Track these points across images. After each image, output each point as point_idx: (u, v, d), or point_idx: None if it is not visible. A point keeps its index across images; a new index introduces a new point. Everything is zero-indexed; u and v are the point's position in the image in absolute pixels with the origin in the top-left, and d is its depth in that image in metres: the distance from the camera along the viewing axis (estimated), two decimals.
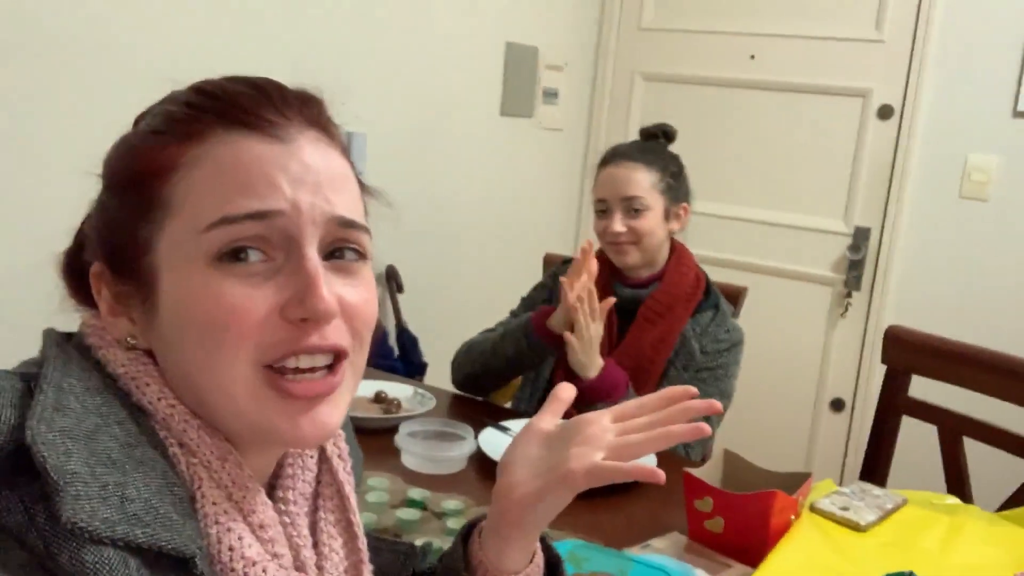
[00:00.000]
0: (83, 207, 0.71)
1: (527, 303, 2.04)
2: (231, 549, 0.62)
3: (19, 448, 0.55)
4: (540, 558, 0.88)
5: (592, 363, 1.73)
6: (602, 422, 0.83)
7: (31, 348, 0.69)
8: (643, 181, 1.86)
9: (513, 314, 2.03)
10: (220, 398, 0.63)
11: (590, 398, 1.73)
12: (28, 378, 0.61)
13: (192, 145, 0.64)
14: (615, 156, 1.91)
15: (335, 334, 0.65)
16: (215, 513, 0.63)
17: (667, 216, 1.89)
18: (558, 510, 0.84)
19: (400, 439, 1.53)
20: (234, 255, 0.62)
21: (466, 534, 0.89)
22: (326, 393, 0.65)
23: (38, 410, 0.57)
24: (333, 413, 0.66)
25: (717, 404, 0.83)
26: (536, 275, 2.18)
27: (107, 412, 0.61)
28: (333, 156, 0.67)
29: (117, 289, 0.67)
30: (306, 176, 0.64)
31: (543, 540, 0.91)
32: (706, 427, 0.79)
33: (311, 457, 0.75)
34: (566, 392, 0.89)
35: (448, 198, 2.85)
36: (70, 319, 0.71)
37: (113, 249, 0.66)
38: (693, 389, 0.83)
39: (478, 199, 2.98)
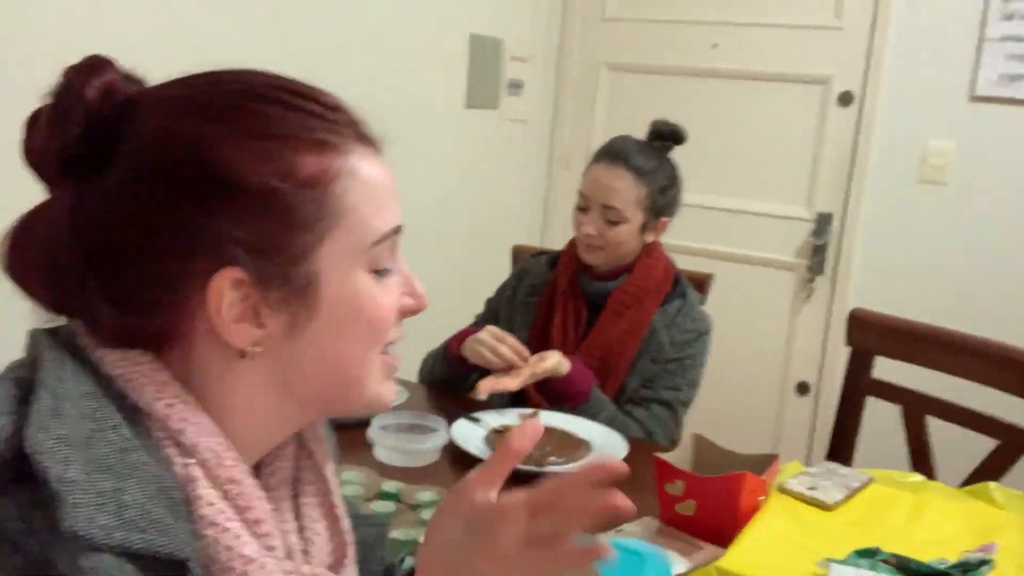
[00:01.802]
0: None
1: (490, 304, 2.05)
2: (228, 548, 0.62)
3: (16, 455, 0.55)
4: None
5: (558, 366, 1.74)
6: (519, 523, 0.68)
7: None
8: (628, 194, 1.82)
9: (481, 316, 2.05)
10: (359, 384, 0.72)
11: (557, 399, 1.75)
12: (21, 383, 0.60)
13: (345, 158, 0.68)
14: (610, 157, 1.85)
15: None
16: (211, 514, 0.63)
17: (643, 229, 1.86)
18: None
19: (373, 432, 1.53)
20: (386, 267, 0.71)
21: None
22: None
23: (36, 417, 0.57)
24: None
25: (630, 507, 0.67)
26: (503, 267, 2.19)
27: (102, 417, 0.60)
28: None
29: (254, 294, 0.65)
30: (396, 192, 0.73)
31: None
32: (628, 506, 0.67)
33: (289, 443, 0.76)
34: (531, 432, 0.74)
35: (415, 191, 2.84)
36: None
37: (258, 255, 0.64)
38: (620, 465, 0.69)
39: (444, 191, 2.98)
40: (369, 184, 0.69)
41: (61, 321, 0.68)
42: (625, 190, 1.82)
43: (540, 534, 0.68)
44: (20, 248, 0.65)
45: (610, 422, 1.74)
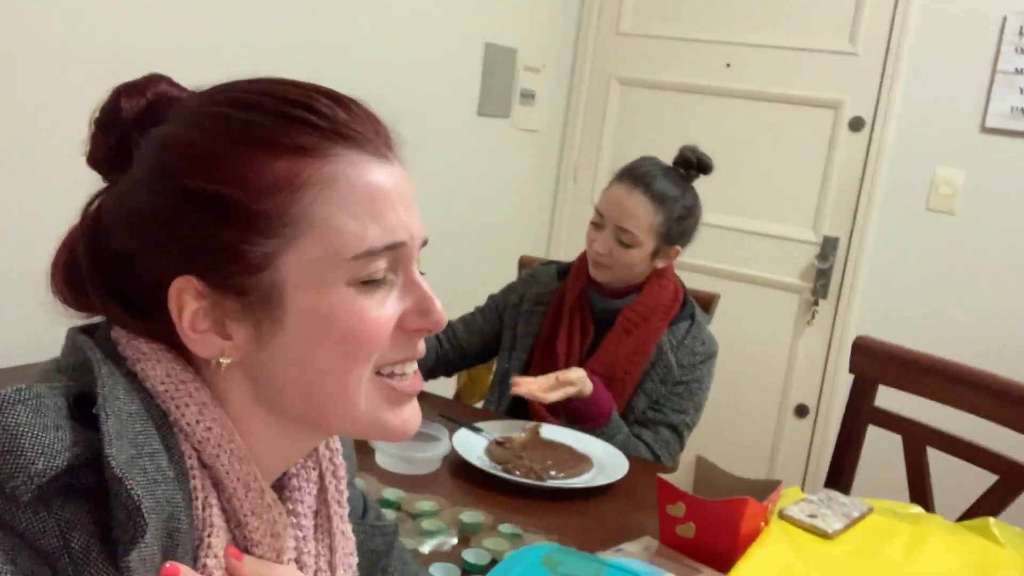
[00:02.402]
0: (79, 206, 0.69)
1: (495, 302, 2.05)
2: None
3: (60, 471, 0.55)
4: None
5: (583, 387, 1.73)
6: None
7: (28, 343, 0.68)
8: (644, 220, 1.79)
9: (479, 309, 2.04)
10: (340, 404, 0.67)
11: (575, 418, 1.74)
12: (69, 392, 0.59)
13: (324, 164, 0.64)
14: (631, 178, 1.82)
15: (423, 343, 0.71)
16: (212, 566, 0.63)
17: (655, 255, 1.85)
18: None
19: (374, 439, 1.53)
20: (374, 281, 0.66)
21: None
22: (420, 389, 0.72)
23: (111, 440, 0.56)
24: (418, 405, 0.73)
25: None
26: (509, 276, 2.19)
27: (143, 442, 0.59)
28: (406, 174, 0.71)
29: (217, 304, 0.64)
30: (411, 202, 0.69)
31: None
32: None
33: (313, 470, 0.76)
34: None
35: (424, 197, 2.83)
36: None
37: (216, 264, 0.63)
38: None
39: (454, 198, 2.98)
40: (353, 192, 0.64)
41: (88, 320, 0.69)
42: (641, 215, 1.80)
43: None
44: (60, 249, 0.69)
45: (624, 446, 1.74)
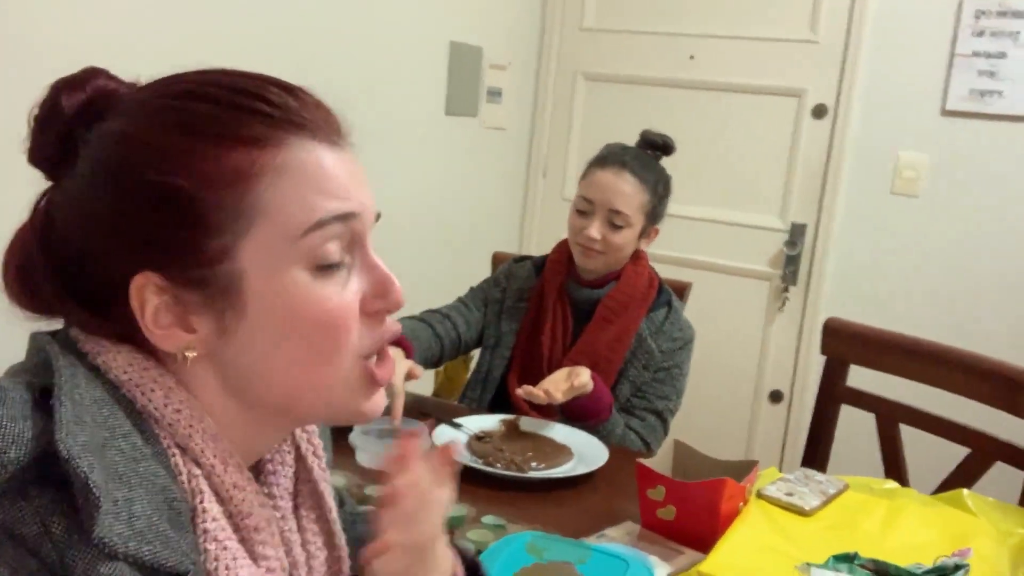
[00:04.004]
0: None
1: (478, 294, 2.05)
2: (227, 568, 0.63)
3: (33, 461, 0.55)
4: None
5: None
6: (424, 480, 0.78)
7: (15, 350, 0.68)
8: (634, 199, 1.84)
9: (462, 301, 2.04)
10: (315, 392, 0.67)
11: (578, 415, 1.74)
12: (32, 387, 0.60)
13: (276, 153, 0.64)
14: (615, 162, 1.87)
15: (391, 323, 0.71)
16: (214, 529, 0.63)
17: (641, 234, 1.90)
18: None
19: (355, 437, 1.53)
20: (331, 263, 0.66)
21: None
22: (391, 376, 0.71)
23: (63, 423, 0.56)
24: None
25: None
26: (482, 273, 2.19)
27: (114, 424, 0.60)
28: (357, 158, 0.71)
29: (179, 298, 0.64)
30: (362, 179, 0.69)
31: (463, 554, 0.88)
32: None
33: (289, 453, 0.76)
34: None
35: (394, 197, 2.85)
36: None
37: (176, 258, 0.63)
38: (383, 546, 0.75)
39: (424, 198, 2.99)
40: (304, 175, 0.65)
41: (58, 324, 0.68)
42: (632, 195, 1.84)
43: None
44: (8, 251, 0.68)
45: (621, 439, 1.76)
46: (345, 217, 0.66)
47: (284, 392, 0.66)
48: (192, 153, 0.63)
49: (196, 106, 0.64)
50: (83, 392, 0.60)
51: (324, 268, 0.65)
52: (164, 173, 0.62)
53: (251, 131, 0.64)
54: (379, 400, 0.71)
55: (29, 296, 0.67)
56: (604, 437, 1.71)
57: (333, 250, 0.66)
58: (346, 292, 0.66)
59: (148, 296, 0.63)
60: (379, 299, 0.68)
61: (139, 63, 0.74)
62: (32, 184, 0.70)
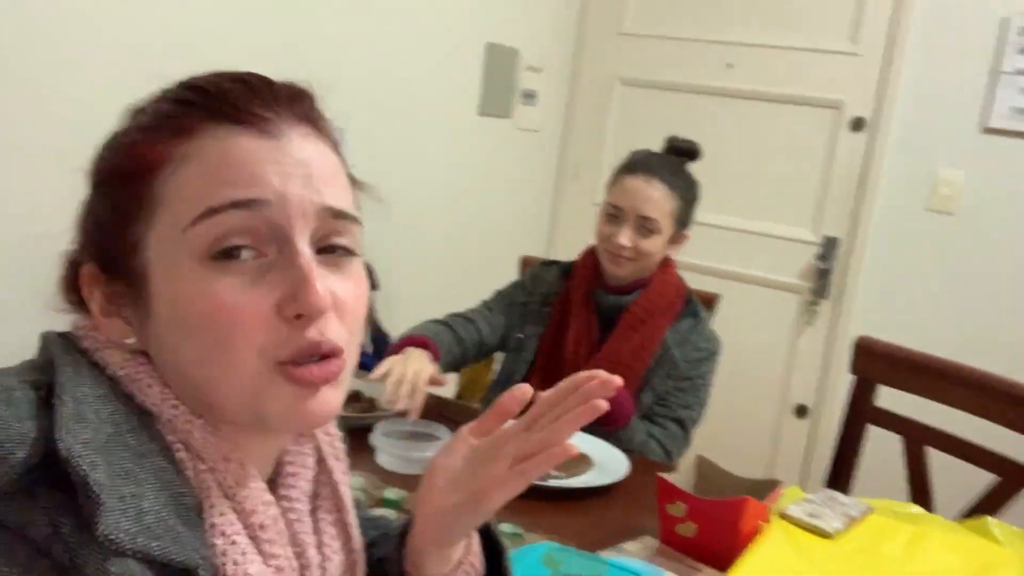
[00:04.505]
0: (71, 204, 0.70)
1: (503, 298, 2.04)
2: (235, 563, 0.63)
3: (41, 460, 0.55)
4: (474, 562, 0.83)
5: None
6: (518, 436, 0.75)
7: (21, 345, 0.69)
8: (664, 205, 1.84)
9: (486, 305, 2.04)
10: (224, 393, 0.63)
11: (600, 422, 1.71)
12: (38, 386, 0.60)
13: (181, 141, 0.63)
14: (643, 168, 1.87)
15: (332, 332, 0.64)
16: (221, 524, 0.63)
17: (671, 241, 1.89)
18: (472, 527, 0.79)
19: (376, 438, 1.53)
20: (226, 254, 0.62)
21: (403, 532, 0.84)
22: (330, 379, 0.65)
23: (64, 422, 0.56)
24: (336, 396, 0.66)
25: (617, 380, 0.76)
26: (509, 276, 2.18)
27: (119, 420, 0.61)
28: (323, 150, 0.67)
29: (109, 290, 0.66)
30: (296, 169, 0.64)
31: (487, 530, 0.86)
32: (601, 404, 0.74)
33: (310, 456, 0.76)
34: (519, 394, 0.77)
35: (425, 196, 2.85)
36: (55, 318, 0.70)
37: (103, 249, 0.66)
38: (598, 372, 0.77)
39: (454, 197, 2.99)
40: (207, 163, 0.62)
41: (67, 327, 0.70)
42: (662, 201, 1.84)
43: (531, 444, 0.74)
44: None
45: (641, 446, 1.75)
46: (245, 204, 0.62)
47: (199, 393, 0.64)
48: (124, 148, 0.66)
49: (148, 104, 0.68)
50: (87, 389, 0.61)
51: (218, 260, 0.61)
52: (99, 168, 0.67)
53: (166, 122, 0.65)
54: (313, 406, 0.64)
55: (69, 293, 0.70)
56: (623, 444, 1.70)
57: (230, 241, 0.61)
58: (251, 289, 0.62)
59: (92, 286, 0.67)
60: (292, 301, 0.62)
61: (171, 63, 0.74)
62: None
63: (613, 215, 1.87)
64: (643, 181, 1.85)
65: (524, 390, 0.77)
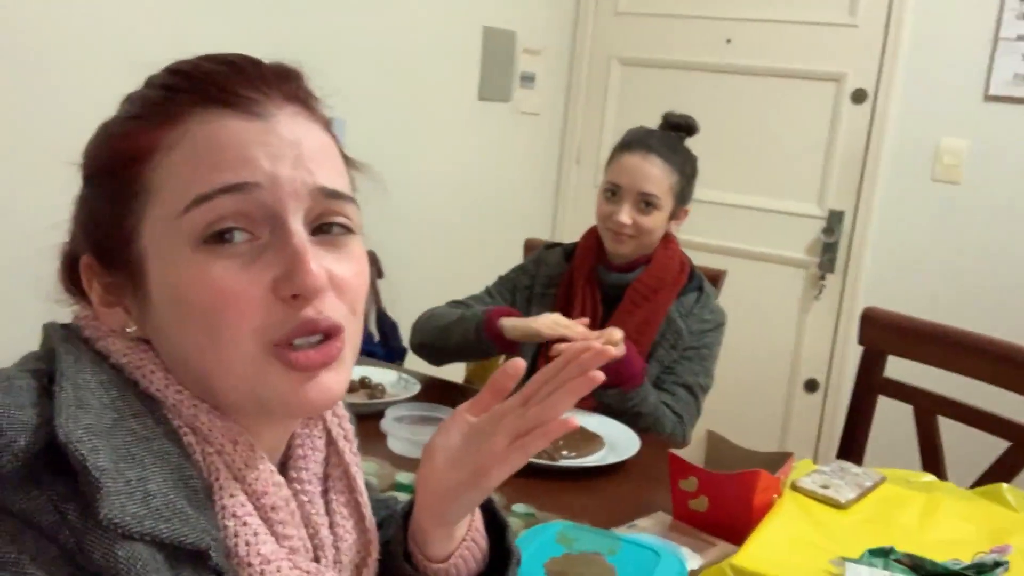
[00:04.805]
0: (68, 198, 0.70)
1: (506, 284, 2.04)
2: (247, 544, 0.63)
3: (44, 447, 0.55)
4: (476, 539, 0.82)
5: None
6: (516, 411, 0.75)
7: (23, 339, 0.69)
8: (663, 181, 1.85)
9: (488, 292, 2.04)
10: (224, 378, 0.63)
11: (610, 381, 1.70)
12: (39, 375, 0.60)
13: (170, 128, 0.63)
14: (640, 145, 1.87)
15: (330, 310, 0.64)
16: (232, 505, 0.63)
17: (671, 216, 1.90)
18: (474, 504, 0.79)
19: (386, 424, 1.54)
20: (218, 237, 0.61)
21: (406, 514, 0.84)
22: (328, 362, 0.65)
23: (63, 408, 0.57)
24: (337, 379, 0.66)
25: (611, 350, 0.76)
26: (515, 261, 2.18)
27: (122, 406, 0.61)
28: (314, 130, 0.67)
29: (107, 280, 0.66)
30: (286, 150, 0.63)
31: (489, 507, 0.86)
32: (598, 375, 0.73)
33: (319, 438, 0.76)
34: (512, 370, 0.77)
35: (427, 183, 2.85)
36: (58, 311, 0.71)
37: (99, 240, 0.66)
38: (591, 343, 0.76)
39: (457, 184, 2.98)
40: (195, 148, 0.62)
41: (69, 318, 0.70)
42: (660, 177, 1.85)
43: (529, 418, 0.73)
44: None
45: (655, 408, 1.75)
46: (236, 188, 0.61)
47: (198, 377, 0.64)
48: (116, 136, 0.66)
49: (139, 91, 0.67)
50: (88, 376, 0.61)
51: (212, 244, 0.61)
52: (92, 157, 0.67)
53: (152, 109, 0.65)
54: (310, 391, 0.64)
55: (69, 283, 0.71)
56: (637, 405, 1.70)
57: (223, 225, 0.61)
58: (245, 271, 0.61)
59: (91, 276, 0.67)
60: (287, 281, 0.62)
61: (161, 48, 0.74)
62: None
63: (612, 193, 1.88)
64: (640, 158, 1.85)
65: (517, 365, 0.77)
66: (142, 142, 0.63)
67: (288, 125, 0.64)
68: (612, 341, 1.65)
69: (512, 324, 1.75)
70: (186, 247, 0.61)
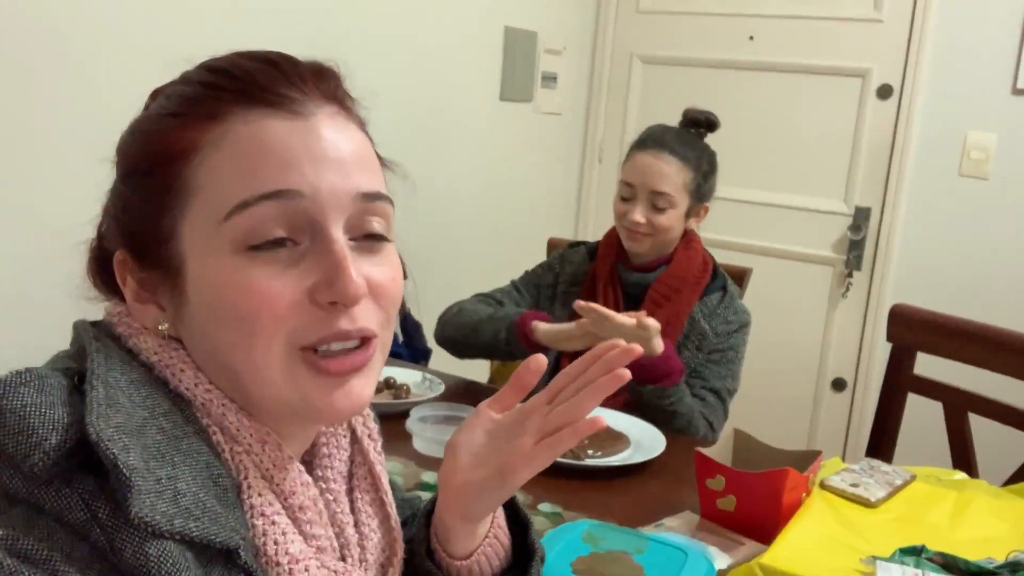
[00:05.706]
0: (98, 195, 0.71)
1: (531, 279, 2.04)
2: (276, 543, 0.63)
3: (75, 445, 0.56)
4: (499, 536, 0.82)
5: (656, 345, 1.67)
6: (542, 409, 0.75)
7: (51, 337, 0.70)
8: (676, 178, 1.83)
9: (514, 285, 2.04)
10: (255, 380, 0.64)
11: (644, 378, 1.69)
12: (70, 374, 0.61)
13: (210, 126, 0.63)
14: (654, 143, 1.86)
15: (364, 317, 0.65)
16: (260, 504, 0.64)
17: (688, 214, 1.88)
18: (499, 502, 0.79)
19: (412, 424, 1.54)
20: (260, 244, 0.62)
21: (430, 511, 0.84)
22: (359, 368, 0.65)
23: (94, 407, 0.57)
24: (366, 385, 0.66)
25: (637, 348, 0.75)
26: (537, 259, 2.18)
27: (152, 404, 0.61)
28: (352, 131, 0.67)
29: (142, 276, 0.66)
30: (328, 154, 0.63)
31: (511, 504, 0.85)
32: (625, 373, 0.73)
33: (344, 437, 0.76)
34: (535, 366, 0.77)
35: (449, 184, 2.85)
36: (86, 309, 0.71)
37: (135, 236, 0.66)
38: (618, 341, 0.76)
39: (479, 184, 2.98)
40: (238, 150, 0.62)
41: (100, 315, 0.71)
42: (673, 175, 1.83)
43: (556, 417, 0.73)
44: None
45: (690, 409, 1.74)
46: (278, 195, 0.61)
47: (229, 377, 0.64)
48: (152, 134, 0.65)
49: (174, 88, 0.67)
50: (118, 375, 0.61)
51: (255, 252, 0.62)
52: (129, 154, 0.66)
53: (193, 106, 0.64)
54: (339, 398, 0.64)
55: (99, 280, 0.71)
56: (675, 403, 1.69)
57: (264, 232, 0.61)
58: (284, 276, 0.62)
59: (125, 272, 0.67)
60: (327, 288, 0.62)
61: (188, 45, 0.74)
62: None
63: (626, 193, 1.87)
64: (653, 156, 1.84)
65: (539, 361, 0.77)
66: (182, 140, 0.63)
67: (328, 125, 0.65)
68: (644, 325, 1.64)
69: (546, 329, 1.74)
70: (226, 250, 0.62)
